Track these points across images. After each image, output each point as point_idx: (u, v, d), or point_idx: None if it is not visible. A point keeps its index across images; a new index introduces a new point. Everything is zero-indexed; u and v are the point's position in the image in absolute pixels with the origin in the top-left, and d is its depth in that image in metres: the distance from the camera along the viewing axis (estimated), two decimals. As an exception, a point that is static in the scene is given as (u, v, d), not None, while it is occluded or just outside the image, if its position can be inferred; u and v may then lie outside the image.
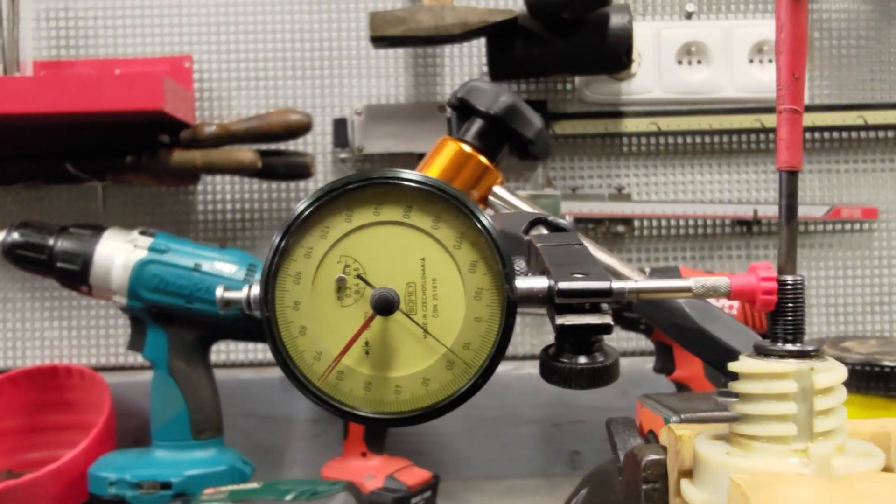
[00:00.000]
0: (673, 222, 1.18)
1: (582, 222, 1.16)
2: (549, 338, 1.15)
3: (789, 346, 0.32)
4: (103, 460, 0.97)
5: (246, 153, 1.06)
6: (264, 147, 1.10)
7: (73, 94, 0.95)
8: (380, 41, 1.06)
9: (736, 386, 0.33)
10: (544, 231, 0.41)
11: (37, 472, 0.94)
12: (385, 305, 0.32)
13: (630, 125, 1.16)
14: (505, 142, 0.58)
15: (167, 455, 0.96)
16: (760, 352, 0.33)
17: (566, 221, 0.41)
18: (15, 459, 1.07)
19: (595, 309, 0.32)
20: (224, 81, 1.16)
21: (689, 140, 1.18)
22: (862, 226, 1.19)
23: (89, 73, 1.12)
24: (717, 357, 0.45)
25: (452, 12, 1.05)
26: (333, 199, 0.33)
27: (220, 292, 0.33)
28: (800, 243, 1.17)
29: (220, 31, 1.16)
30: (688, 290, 0.33)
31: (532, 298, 0.32)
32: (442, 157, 0.59)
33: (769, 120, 1.15)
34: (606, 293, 0.31)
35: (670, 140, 1.18)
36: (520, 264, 0.33)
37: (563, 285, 0.31)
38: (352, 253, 0.33)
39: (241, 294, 0.33)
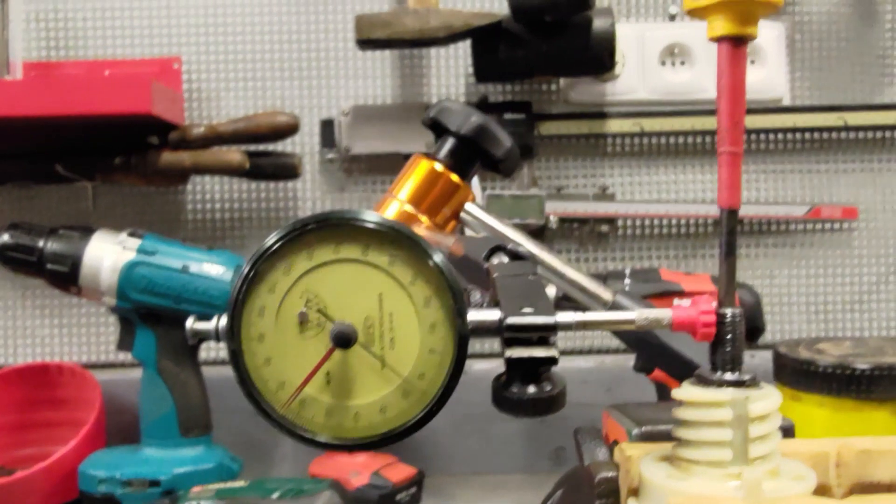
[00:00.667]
0: (656, 221, 1.20)
1: (567, 222, 1.17)
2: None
3: (727, 376, 0.34)
4: (93, 458, 0.99)
5: (234, 154, 1.07)
6: (252, 148, 1.11)
7: (62, 97, 0.97)
8: (365, 44, 1.07)
9: (677, 412, 0.35)
10: (504, 259, 0.42)
11: (29, 468, 0.96)
12: (343, 340, 0.34)
13: (614, 126, 1.17)
14: (476, 160, 0.60)
15: (156, 453, 0.98)
16: (700, 380, 0.35)
17: (524, 249, 0.42)
18: (7, 455, 1.09)
19: (543, 342, 0.33)
20: (213, 82, 1.18)
21: (672, 141, 1.20)
22: (842, 225, 1.21)
23: (79, 74, 1.14)
24: (678, 370, 0.47)
25: (437, 15, 1.06)
26: (296, 238, 0.35)
27: (189, 323, 0.35)
28: (780, 242, 1.20)
29: (208, 32, 1.17)
30: (631, 322, 0.34)
31: (484, 330, 0.34)
32: (415, 174, 0.60)
33: (750, 121, 1.17)
34: (552, 328, 0.33)
35: (654, 141, 1.20)
36: (475, 296, 0.35)
37: (511, 320, 0.33)
38: (313, 288, 0.35)
39: (209, 325, 0.35)
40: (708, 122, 1.17)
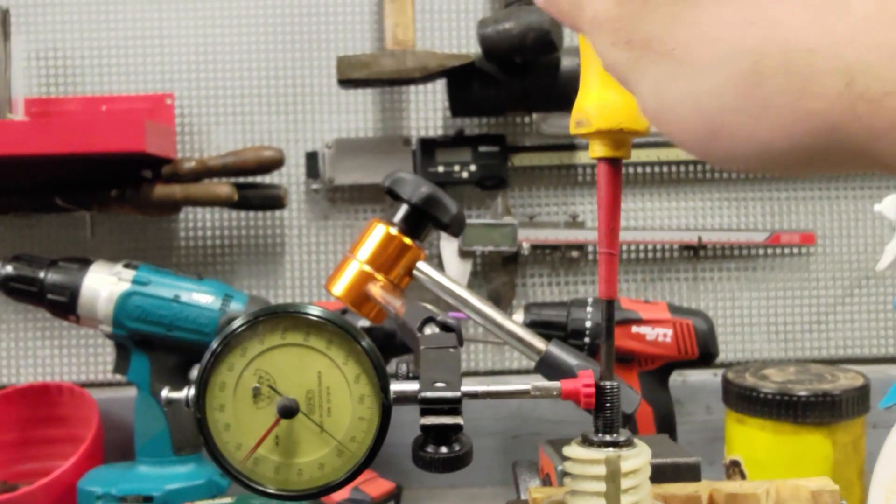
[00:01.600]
0: (624, 248, 1.26)
1: (539, 248, 1.24)
2: (508, 355, 1.23)
3: (606, 437, 0.41)
4: (91, 475, 1.05)
5: (223, 187, 1.14)
6: (241, 180, 1.18)
7: (61, 137, 1.03)
8: (346, 83, 1.14)
9: (565, 466, 0.42)
10: (435, 329, 0.49)
11: (30, 483, 1.02)
12: (287, 412, 0.41)
13: (584, 157, 1.24)
14: (426, 224, 0.67)
15: (149, 470, 1.05)
16: (585, 440, 0.42)
17: (453, 321, 0.49)
18: (9, 471, 1.16)
19: (452, 412, 0.40)
20: (204, 117, 1.24)
21: (638, 170, 1.27)
22: (801, 250, 1.27)
23: (77, 113, 1.20)
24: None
25: (413, 57, 1.13)
26: (250, 327, 0.42)
27: (164, 393, 0.42)
28: (742, 266, 1.26)
29: (199, 69, 1.24)
30: (527, 392, 0.41)
31: (405, 399, 0.41)
32: (372, 237, 0.67)
33: (713, 152, 1.23)
34: (457, 401, 0.40)
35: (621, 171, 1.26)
36: (402, 368, 0.42)
37: (424, 394, 0.40)
38: (264, 367, 0.42)
39: (181, 395, 0.42)
40: (672, 153, 1.24)
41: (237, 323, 0.42)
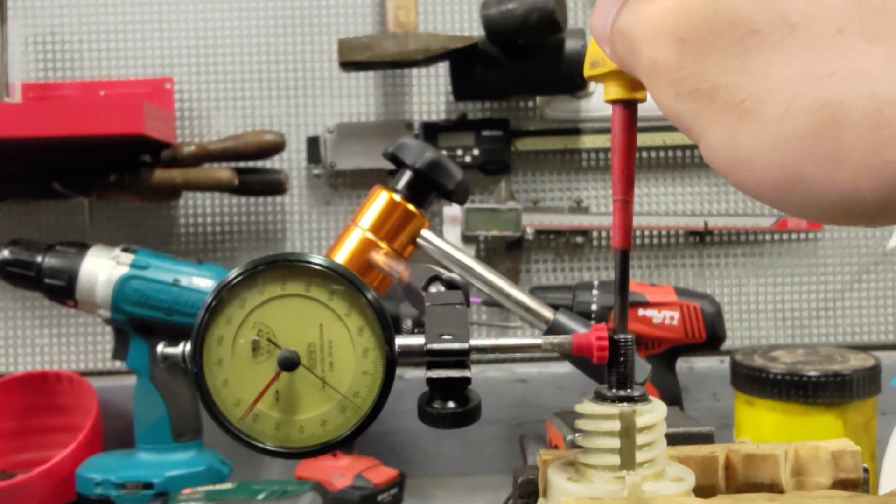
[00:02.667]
0: (629, 233, 1.25)
1: (543, 234, 1.23)
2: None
3: (620, 392, 0.40)
4: (90, 462, 1.04)
5: (223, 172, 1.13)
6: (241, 165, 1.17)
7: (58, 120, 1.01)
8: (348, 66, 1.13)
9: (578, 423, 0.40)
10: (441, 287, 0.48)
11: (28, 472, 1.01)
12: (287, 364, 0.39)
13: (588, 141, 1.23)
14: (431, 191, 0.65)
15: (149, 457, 1.03)
16: (598, 396, 0.40)
17: (459, 279, 0.47)
18: (8, 460, 1.14)
19: (459, 364, 0.39)
20: (204, 101, 1.23)
21: (643, 155, 1.25)
22: (808, 235, 1.26)
23: (74, 96, 1.19)
24: (599, 373, 0.51)
25: (416, 39, 1.11)
26: (249, 277, 0.41)
27: (160, 348, 0.41)
28: (749, 252, 1.25)
29: (199, 54, 1.23)
30: (538, 346, 0.40)
31: (411, 354, 0.39)
32: (375, 204, 0.66)
33: (719, 136, 1.22)
34: (465, 353, 0.39)
35: (626, 155, 1.25)
36: (407, 323, 0.40)
37: (430, 346, 0.38)
38: (264, 320, 0.40)
39: (177, 350, 0.40)
40: (678, 138, 1.22)
41: (235, 272, 0.40)
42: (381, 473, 1.09)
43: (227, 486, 0.95)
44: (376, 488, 1.06)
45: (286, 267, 0.40)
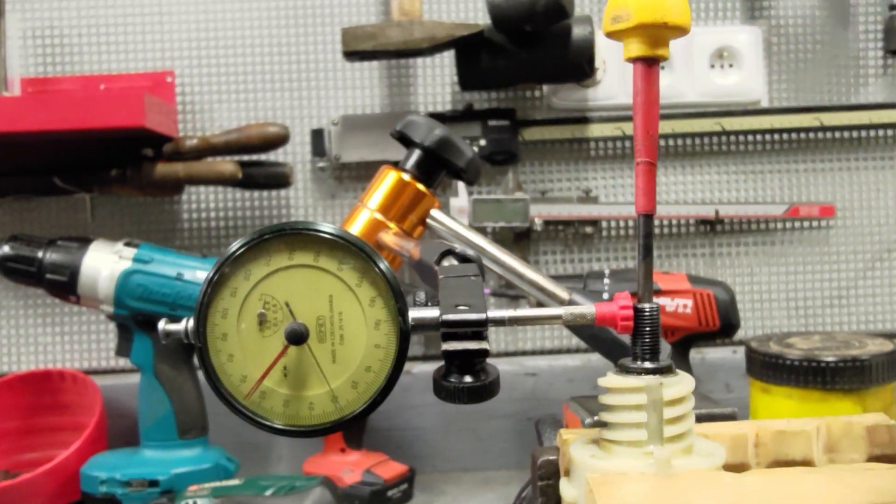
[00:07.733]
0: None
1: (551, 224, 1.21)
2: (521, 335, 1.20)
3: (646, 364, 0.38)
4: (95, 460, 1.02)
5: (226, 165, 1.11)
6: (245, 158, 1.15)
7: (58, 113, 1.00)
8: (352, 55, 1.11)
9: (602, 398, 0.39)
10: (454, 261, 0.46)
11: (33, 471, 1.00)
12: (296, 337, 0.37)
13: (596, 130, 1.21)
14: (440, 170, 0.63)
15: (154, 454, 1.02)
16: (622, 369, 0.38)
17: (473, 253, 0.45)
18: (12, 460, 1.13)
19: (476, 336, 0.37)
20: (206, 95, 1.21)
21: (652, 143, 1.23)
22: (820, 223, 1.24)
23: (74, 89, 1.17)
24: (612, 352, 0.50)
25: (421, 27, 1.10)
26: (254, 246, 0.39)
27: (161, 325, 0.39)
28: (760, 241, 1.23)
29: (201, 46, 1.21)
30: (558, 317, 0.38)
31: (425, 326, 0.38)
32: (383, 184, 0.64)
33: (729, 123, 1.20)
34: (482, 323, 0.37)
35: (635, 144, 1.23)
36: (420, 296, 0.38)
37: (446, 317, 0.36)
38: (270, 292, 0.38)
39: (180, 326, 0.38)
40: (687, 125, 1.20)
41: (239, 242, 0.38)
42: (391, 469, 1.07)
43: (235, 482, 0.93)
44: (386, 484, 1.05)
45: (293, 236, 0.38)
